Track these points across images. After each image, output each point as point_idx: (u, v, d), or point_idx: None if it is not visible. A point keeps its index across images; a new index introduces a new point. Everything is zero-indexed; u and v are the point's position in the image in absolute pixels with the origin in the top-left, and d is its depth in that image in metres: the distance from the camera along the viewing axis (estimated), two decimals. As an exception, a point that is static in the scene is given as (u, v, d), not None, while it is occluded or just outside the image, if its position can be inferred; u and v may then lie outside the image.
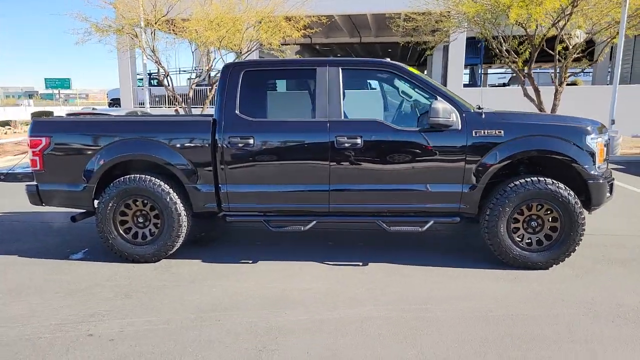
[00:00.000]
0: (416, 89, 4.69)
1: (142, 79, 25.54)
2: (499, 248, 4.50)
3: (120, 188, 4.65)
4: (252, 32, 13.93)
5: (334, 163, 4.50)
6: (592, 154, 4.44)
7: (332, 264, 4.71)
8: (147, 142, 4.63)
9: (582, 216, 4.40)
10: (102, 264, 4.76)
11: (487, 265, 4.63)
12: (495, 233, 4.47)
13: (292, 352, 3.10)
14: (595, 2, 12.47)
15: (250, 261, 4.81)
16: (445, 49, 22.94)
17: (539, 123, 4.52)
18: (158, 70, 15.60)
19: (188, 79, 29.21)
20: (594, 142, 4.46)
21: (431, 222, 4.60)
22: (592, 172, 4.42)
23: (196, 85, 16.93)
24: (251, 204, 4.71)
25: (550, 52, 13.52)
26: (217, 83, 4.79)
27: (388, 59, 4.89)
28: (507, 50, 14.05)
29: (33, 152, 4.76)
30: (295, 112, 4.79)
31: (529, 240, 4.53)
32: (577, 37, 15.09)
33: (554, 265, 4.52)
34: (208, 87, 17.59)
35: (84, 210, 5.05)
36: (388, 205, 4.63)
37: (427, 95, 4.63)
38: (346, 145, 4.47)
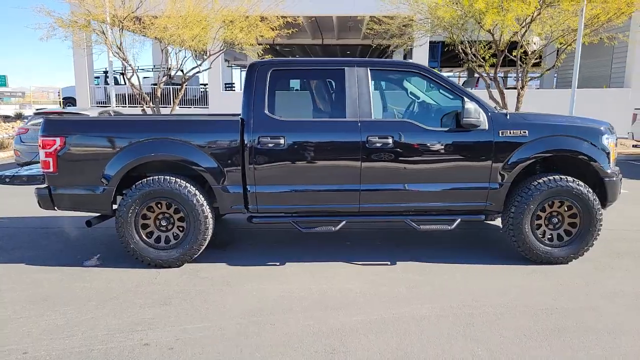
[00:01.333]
0: (441, 90, 4.78)
1: (98, 77, 24.57)
2: (524, 244, 4.65)
3: (143, 190, 4.44)
4: (226, 31, 13.69)
5: (365, 163, 4.51)
6: (608, 153, 4.68)
7: (361, 264, 4.72)
8: (174, 143, 4.46)
9: (600, 212, 4.63)
10: (122, 269, 4.53)
11: (505, 260, 4.79)
12: (520, 230, 4.62)
13: (363, 353, 3.08)
14: (552, 12, 13.12)
15: (278, 263, 4.73)
16: (408, 53, 23.47)
17: (559, 124, 4.71)
18: (125, 68, 15.02)
19: (144, 77, 28.24)
20: (608, 141, 4.71)
21: (458, 220, 4.70)
22: (608, 171, 4.66)
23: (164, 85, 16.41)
24: (280, 205, 4.63)
25: (512, 57, 14.17)
26: (244, 82, 4.68)
27: (411, 61, 4.95)
28: (473, 55, 14.59)
29: (46, 153, 4.47)
30: (323, 112, 4.75)
31: (550, 236, 4.72)
32: (535, 43, 15.91)
33: (573, 260, 4.73)
34: (177, 87, 17.10)
35: (99, 214, 4.80)
36: (417, 204, 4.67)
37: (452, 96, 4.73)
38: (377, 145, 4.48)
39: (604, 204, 4.78)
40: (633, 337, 3.28)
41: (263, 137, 4.46)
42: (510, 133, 4.56)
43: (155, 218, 4.58)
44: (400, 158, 4.53)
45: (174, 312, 3.65)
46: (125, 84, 20.33)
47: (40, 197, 4.58)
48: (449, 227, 4.68)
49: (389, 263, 4.75)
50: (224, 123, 4.63)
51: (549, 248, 4.68)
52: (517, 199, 4.63)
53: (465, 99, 4.51)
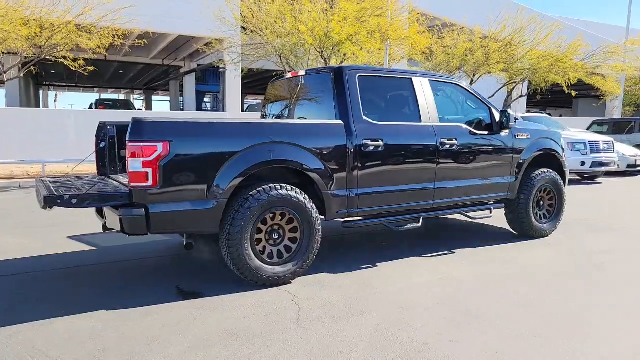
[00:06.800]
0: (469, 101, 5.66)
1: None
2: (528, 223, 5.89)
3: (263, 200, 3.97)
4: (65, 34, 11.70)
5: (439, 163, 5.04)
6: (563, 150, 6.36)
7: (431, 256, 5.15)
8: (292, 147, 4.13)
9: (565, 192, 6.24)
10: (229, 295, 3.89)
11: (510, 239, 5.93)
12: (527, 212, 5.85)
13: (545, 306, 3.70)
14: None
15: (370, 265, 4.79)
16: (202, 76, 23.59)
17: (541, 129, 6.16)
18: None
19: None
20: (562, 141, 6.40)
21: (492, 208, 5.65)
22: (566, 162, 6.34)
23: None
24: (377, 206, 4.74)
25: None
26: (331, 87, 4.63)
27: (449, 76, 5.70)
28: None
29: (143, 162, 3.56)
30: (401, 116, 5.03)
31: (540, 215, 6.08)
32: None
33: (552, 233, 6.19)
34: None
35: (190, 234, 4.01)
36: (469, 197, 5.41)
37: (475, 106, 5.67)
38: (447, 146, 5.08)
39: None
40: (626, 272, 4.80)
41: (366, 140, 4.54)
42: (520, 136, 5.76)
43: (266, 231, 4.12)
44: (461, 158, 5.22)
45: (380, 318, 3.51)
46: None
47: (132, 219, 3.58)
48: (490, 214, 5.60)
49: (448, 252, 5.32)
50: (331, 127, 4.47)
51: (542, 225, 6.04)
52: (525, 188, 5.85)
53: (490, 108, 5.51)
